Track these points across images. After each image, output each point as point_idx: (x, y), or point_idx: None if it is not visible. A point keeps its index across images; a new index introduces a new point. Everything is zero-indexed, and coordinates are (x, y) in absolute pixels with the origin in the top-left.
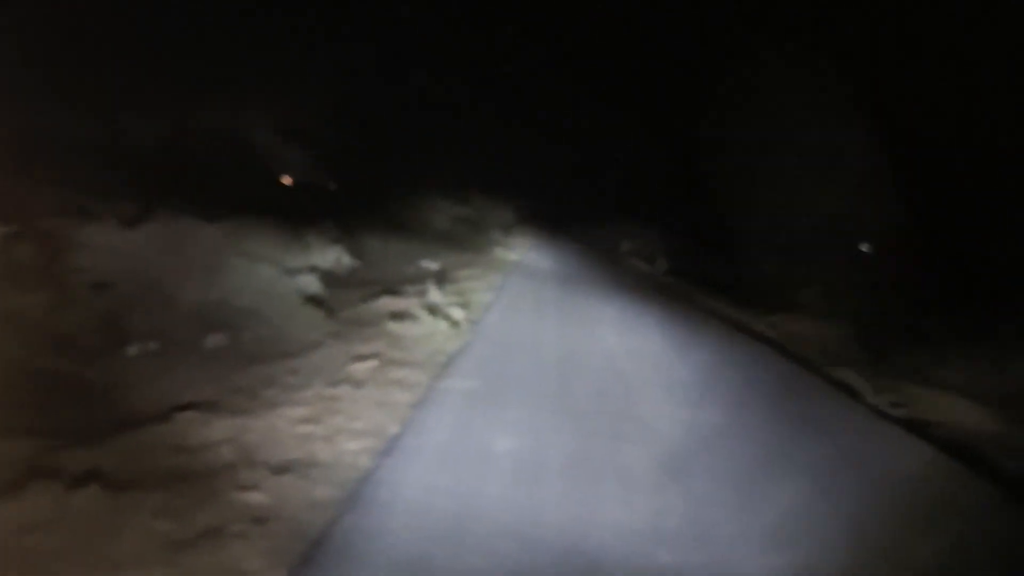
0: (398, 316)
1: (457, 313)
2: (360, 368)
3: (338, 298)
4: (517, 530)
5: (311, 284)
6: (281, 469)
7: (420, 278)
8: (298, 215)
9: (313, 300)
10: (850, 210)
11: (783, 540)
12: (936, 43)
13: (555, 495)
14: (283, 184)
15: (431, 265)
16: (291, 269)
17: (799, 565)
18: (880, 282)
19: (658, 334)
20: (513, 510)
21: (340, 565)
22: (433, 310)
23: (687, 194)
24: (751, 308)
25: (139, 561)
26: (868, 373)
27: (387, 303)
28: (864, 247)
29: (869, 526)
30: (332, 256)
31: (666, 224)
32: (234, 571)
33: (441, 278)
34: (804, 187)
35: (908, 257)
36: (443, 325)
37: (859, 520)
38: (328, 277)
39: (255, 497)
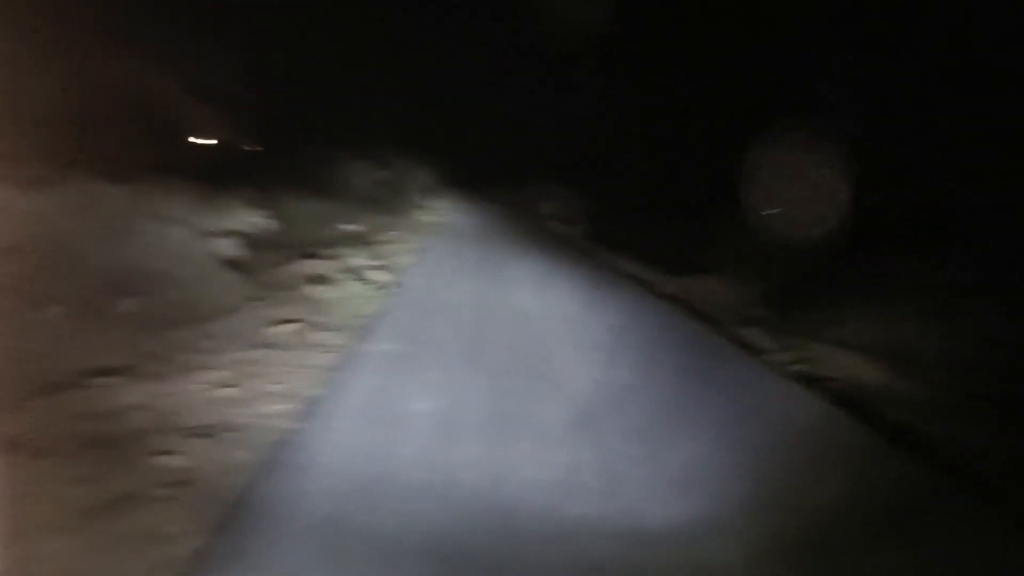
0: (317, 279)
1: (377, 276)
2: (279, 332)
3: (256, 261)
4: (433, 490)
5: (227, 247)
6: (197, 434)
7: (340, 241)
8: (213, 176)
9: (230, 263)
10: (756, 172)
11: (686, 489)
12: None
13: (471, 454)
14: (196, 144)
15: (351, 228)
16: (206, 232)
17: (701, 511)
18: (784, 243)
19: (573, 295)
20: (429, 470)
21: (258, 528)
22: (353, 273)
23: (608, 157)
24: (664, 270)
25: (54, 528)
26: (772, 332)
27: (306, 266)
28: (769, 209)
29: (765, 475)
30: (249, 219)
31: (585, 187)
32: (151, 535)
33: (361, 241)
34: (714, 151)
35: (810, 217)
36: (363, 288)
37: (756, 469)
38: (245, 240)
39: (171, 462)
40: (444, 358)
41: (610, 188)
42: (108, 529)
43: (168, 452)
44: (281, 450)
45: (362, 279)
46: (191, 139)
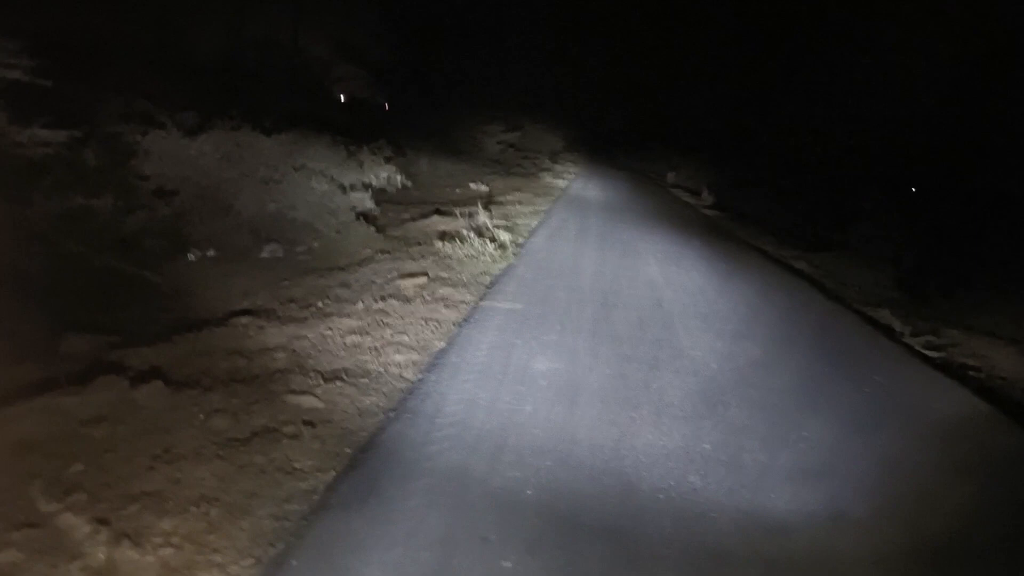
0: (446, 236)
1: (503, 236)
2: (408, 284)
3: (389, 216)
4: (553, 447)
5: (364, 201)
6: (332, 376)
7: (469, 200)
8: (353, 132)
9: (365, 217)
10: (899, 152)
11: (813, 472)
12: None
13: (591, 416)
14: (338, 100)
15: (480, 188)
16: (345, 185)
17: (827, 497)
18: (925, 224)
19: (699, 266)
20: (550, 428)
21: (386, 470)
22: (480, 232)
23: (737, 128)
24: (794, 245)
25: (197, 455)
26: (907, 315)
27: (436, 223)
28: (912, 188)
29: (901, 466)
30: (384, 174)
31: (714, 157)
32: (285, 469)
33: (489, 201)
34: (853, 127)
35: (954, 201)
36: (489, 247)
37: (891, 459)
38: (380, 195)
39: (307, 401)
40: (567, 320)
41: (741, 160)
42: (247, 459)
43: (304, 392)
44: (409, 398)
45: (489, 238)
46: (336, 95)
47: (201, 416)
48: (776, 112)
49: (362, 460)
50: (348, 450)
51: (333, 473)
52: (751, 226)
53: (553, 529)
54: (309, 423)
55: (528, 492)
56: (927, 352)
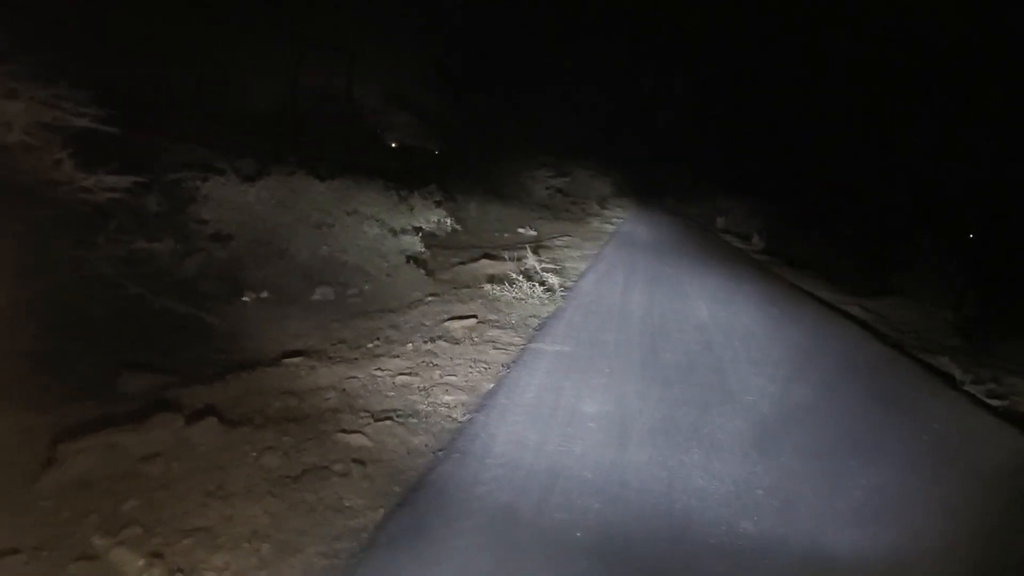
0: (495, 279)
1: (552, 279)
2: (457, 326)
3: (439, 259)
4: (602, 489)
5: (414, 245)
6: (381, 416)
7: (518, 244)
8: (404, 178)
9: (415, 260)
10: (954, 196)
11: (871, 518)
12: None
13: (641, 459)
14: (389, 146)
15: (528, 232)
16: (395, 229)
17: (887, 543)
18: (984, 270)
19: (750, 309)
20: (599, 470)
21: (435, 509)
22: (529, 275)
23: (785, 173)
24: (847, 289)
25: (249, 492)
26: (966, 362)
27: (485, 266)
28: (969, 234)
29: (964, 513)
30: (434, 218)
31: (766, 200)
32: (335, 507)
33: (538, 245)
34: (907, 170)
35: (1013, 246)
36: (538, 290)
37: (953, 506)
38: (430, 239)
39: (357, 440)
40: (616, 363)
41: (793, 203)
42: (298, 496)
43: (354, 431)
44: (458, 438)
45: (538, 281)
46: (386, 141)
47: (254, 454)
48: (830, 153)
49: (411, 499)
50: (397, 489)
51: (383, 511)
52: (804, 270)
53: (602, 572)
54: (359, 461)
55: (577, 534)
56: (989, 400)
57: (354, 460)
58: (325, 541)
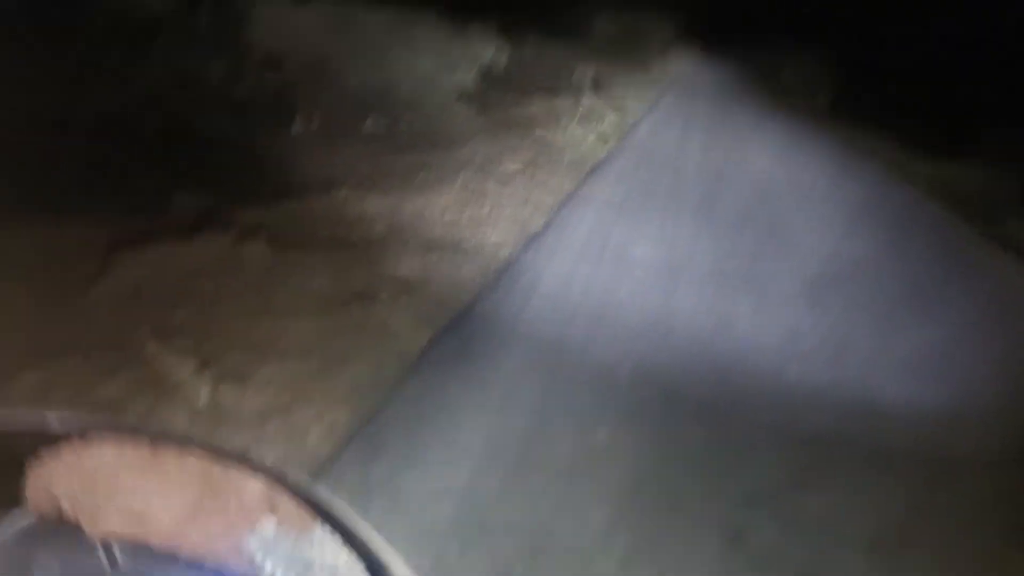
0: (550, 120)
1: (608, 123)
2: (508, 166)
3: (492, 96)
4: (649, 330)
5: (468, 80)
6: (429, 248)
7: (575, 85)
8: (460, 9)
9: (469, 96)
10: None
11: (921, 371)
12: None
13: (689, 303)
14: None
15: (587, 73)
16: (450, 64)
17: (938, 395)
18: None
19: (811, 164)
20: (646, 311)
21: (480, 336)
22: (584, 117)
23: (860, 19)
24: (916, 150)
25: (297, 312)
26: None
27: (540, 106)
28: None
29: (1017, 370)
30: (490, 54)
31: (833, 51)
32: (382, 329)
33: (596, 87)
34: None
35: None
36: (593, 133)
37: (1008, 364)
38: (485, 75)
39: (404, 269)
40: (668, 209)
41: (862, 56)
42: (346, 319)
43: (401, 260)
44: (505, 273)
45: (593, 124)
46: None
47: (302, 276)
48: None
49: (456, 326)
50: (443, 316)
51: (427, 335)
52: (872, 126)
53: (647, 407)
54: (406, 290)
55: (623, 370)
56: None
57: (401, 288)
58: (371, 359)
